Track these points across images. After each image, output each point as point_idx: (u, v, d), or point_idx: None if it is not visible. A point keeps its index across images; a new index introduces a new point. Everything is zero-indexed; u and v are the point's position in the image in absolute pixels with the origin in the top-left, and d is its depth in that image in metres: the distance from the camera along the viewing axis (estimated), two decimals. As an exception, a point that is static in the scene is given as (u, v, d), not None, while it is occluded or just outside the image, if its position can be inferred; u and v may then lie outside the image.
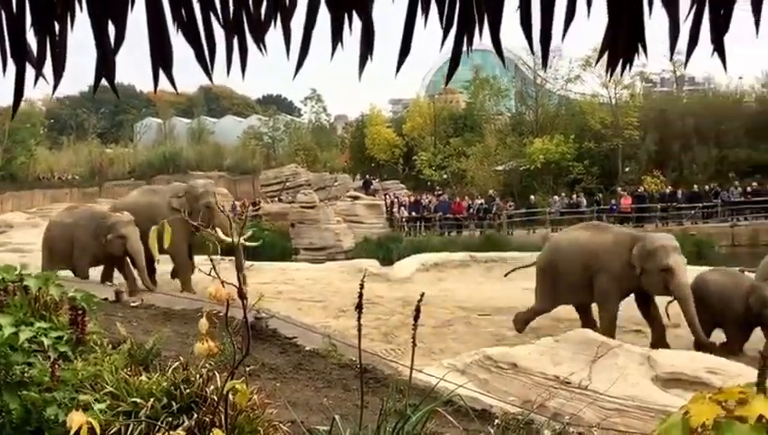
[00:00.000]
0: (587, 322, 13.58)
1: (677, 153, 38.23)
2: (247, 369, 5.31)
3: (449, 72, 1.60)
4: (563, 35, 1.40)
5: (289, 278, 18.05)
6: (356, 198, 36.44)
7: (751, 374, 6.90)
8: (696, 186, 34.77)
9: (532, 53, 1.48)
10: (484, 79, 45.34)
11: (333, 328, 12.97)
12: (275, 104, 66.44)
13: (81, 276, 15.44)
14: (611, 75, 1.52)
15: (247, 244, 20.05)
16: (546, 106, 43.71)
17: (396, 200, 37.82)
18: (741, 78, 43.40)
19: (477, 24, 1.42)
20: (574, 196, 35.87)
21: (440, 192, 39.55)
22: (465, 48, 1.45)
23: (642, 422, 6.59)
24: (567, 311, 15.49)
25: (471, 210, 35.84)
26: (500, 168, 41.19)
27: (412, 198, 38.30)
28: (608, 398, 7.55)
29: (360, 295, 2.91)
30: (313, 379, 6.41)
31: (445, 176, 42.69)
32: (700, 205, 33.87)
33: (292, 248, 32.45)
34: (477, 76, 45.19)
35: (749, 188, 33.57)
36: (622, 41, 1.41)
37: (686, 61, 1.54)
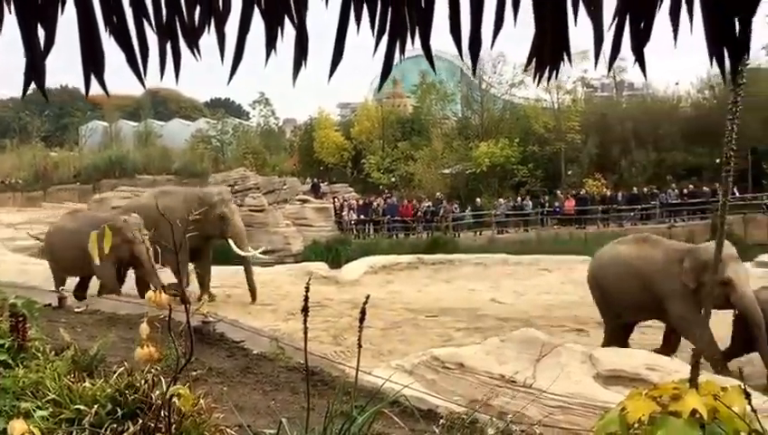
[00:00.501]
0: (667, 344, 12.06)
1: (618, 156, 39.14)
2: (194, 373, 5.31)
3: (381, 78, 1.60)
4: (492, 43, 1.45)
5: (238, 282, 17.91)
6: (305, 201, 36.32)
7: (687, 371, 7.12)
8: (635, 188, 35.76)
9: (462, 59, 1.54)
10: (431, 84, 45.59)
11: (283, 331, 12.93)
12: (223, 108, 65.67)
13: (110, 287, 14.71)
14: (538, 82, 1.57)
15: (261, 256, 19.77)
16: (491, 110, 44.23)
17: (345, 203, 37.83)
18: (677, 84, 44.56)
19: (410, 32, 1.45)
20: (519, 198, 36.41)
21: (388, 195, 39.68)
22: (397, 55, 1.48)
23: (585, 419, 6.74)
24: (513, 310, 15.73)
25: (419, 213, 36.04)
26: (447, 171, 41.56)
27: (361, 202, 38.35)
28: (551, 395, 7.70)
29: (306, 299, 2.95)
30: (261, 382, 6.40)
31: (393, 179, 42.87)
32: (639, 206, 34.87)
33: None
34: (424, 81, 45.46)
35: (685, 190, 34.70)
36: (548, 49, 1.46)
37: (609, 68, 1.60)
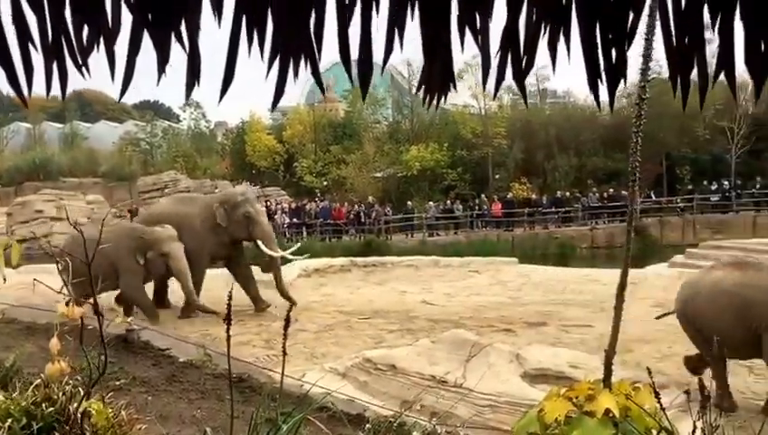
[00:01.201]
0: None
1: (542, 161, 40.09)
2: (117, 383, 5.20)
3: (273, 101, 1.58)
4: (382, 69, 1.49)
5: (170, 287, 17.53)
6: (236, 205, 35.96)
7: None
8: (558, 192, 36.85)
9: (351, 80, 1.56)
10: (362, 88, 45.64)
11: (214, 336, 12.76)
12: (152, 110, 64.47)
13: (142, 305, 13.77)
14: (428, 108, 1.64)
15: (292, 257, 18.26)
16: (421, 115, 44.64)
17: (277, 207, 37.61)
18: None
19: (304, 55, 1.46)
20: (449, 202, 36.88)
21: (321, 199, 39.64)
22: (291, 74, 1.48)
23: (512, 416, 6.85)
24: (444, 312, 15.87)
25: (351, 216, 36.11)
26: (378, 174, 41.81)
27: (293, 205, 38.20)
28: (480, 395, 7.83)
29: (229, 306, 2.92)
30: (187, 390, 6.30)
31: (325, 183, 42.86)
32: (563, 209, 35.93)
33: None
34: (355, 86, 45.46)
35: (606, 194, 35.95)
36: (436, 78, 1.52)
37: (494, 94, 1.69)
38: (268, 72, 1.47)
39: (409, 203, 37.01)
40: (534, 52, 1.47)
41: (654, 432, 2.69)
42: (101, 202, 39.52)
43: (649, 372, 2.88)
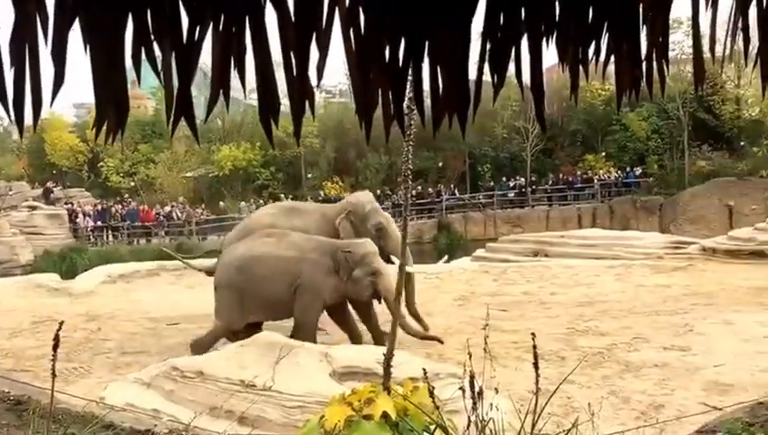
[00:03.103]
0: None
1: (354, 160, 40.83)
2: None
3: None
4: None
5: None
6: (35, 207, 33.96)
7: (416, 363, 7.64)
8: (369, 190, 37.43)
9: (159, 76, 1.58)
10: (171, 85, 44.47)
11: (7, 350, 12.05)
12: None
13: (310, 335, 10.49)
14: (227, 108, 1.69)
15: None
16: (232, 114, 44.12)
17: (80, 209, 35.81)
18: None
19: None
20: (262, 201, 36.73)
21: (129, 200, 38.20)
22: None
23: (323, 416, 7.00)
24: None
25: (160, 218, 35.10)
26: (189, 174, 40.89)
27: (99, 207, 36.54)
28: (290, 396, 7.93)
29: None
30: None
31: (133, 183, 41.28)
32: (374, 207, 36.71)
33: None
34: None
35: (414, 192, 37.04)
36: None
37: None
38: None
39: (222, 203, 36.53)
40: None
41: (432, 429, 2.92)
42: None
43: (425, 373, 3.11)
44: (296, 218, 12.90)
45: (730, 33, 1.54)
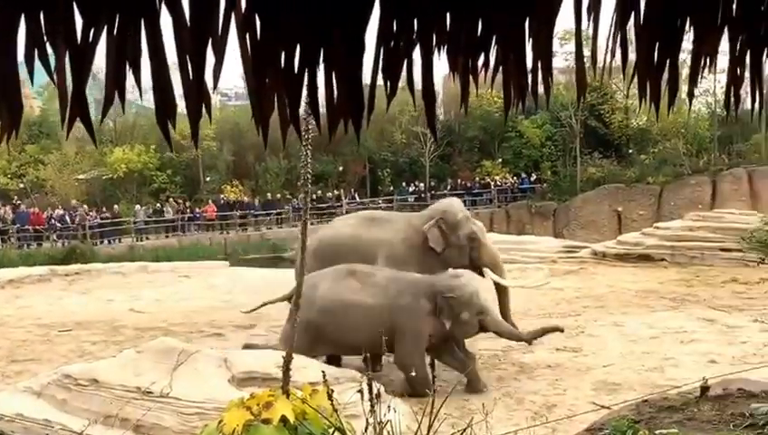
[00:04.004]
0: None
1: (253, 163, 40.40)
2: None
3: None
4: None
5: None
6: None
7: (316, 367, 7.66)
8: (270, 194, 37.44)
9: (50, 74, 1.54)
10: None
11: None
12: None
13: (422, 381, 8.54)
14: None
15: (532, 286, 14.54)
16: (125, 115, 42.82)
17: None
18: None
19: None
20: (159, 204, 35.90)
21: (18, 202, 36.50)
22: None
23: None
24: (153, 319, 15.50)
25: (52, 221, 33.76)
26: (82, 176, 39.47)
27: (-16, 210, 34.80)
28: (188, 403, 7.82)
29: None
30: None
31: (22, 185, 39.47)
32: (275, 211, 36.59)
33: None
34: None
35: (313, 196, 36.99)
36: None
37: None
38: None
39: (116, 206, 35.45)
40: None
41: (330, 432, 2.94)
42: None
43: (324, 376, 3.13)
44: (378, 229, 11.98)
45: (610, 48, 1.62)
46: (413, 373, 8.70)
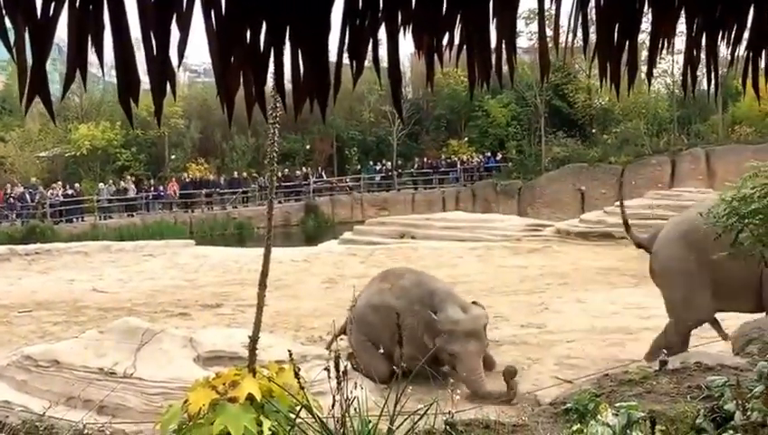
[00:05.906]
0: None
1: (219, 141, 40.08)
2: None
3: None
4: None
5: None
6: None
7: (283, 345, 7.65)
8: (236, 172, 37.27)
9: (9, 49, 1.49)
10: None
11: None
12: None
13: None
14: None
15: None
16: (91, 91, 42.11)
17: None
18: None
19: None
20: (122, 183, 35.44)
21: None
22: None
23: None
24: (116, 299, 15.37)
25: (11, 199, 33.18)
26: (43, 154, 38.81)
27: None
28: (151, 383, 7.78)
29: None
30: None
31: (-20, 163, 38.74)
32: (240, 190, 36.44)
33: None
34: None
35: (281, 174, 36.74)
36: None
37: None
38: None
39: (78, 185, 34.95)
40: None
41: (297, 409, 2.96)
42: None
43: (290, 355, 3.15)
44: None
45: (571, 28, 1.64)
46: None
